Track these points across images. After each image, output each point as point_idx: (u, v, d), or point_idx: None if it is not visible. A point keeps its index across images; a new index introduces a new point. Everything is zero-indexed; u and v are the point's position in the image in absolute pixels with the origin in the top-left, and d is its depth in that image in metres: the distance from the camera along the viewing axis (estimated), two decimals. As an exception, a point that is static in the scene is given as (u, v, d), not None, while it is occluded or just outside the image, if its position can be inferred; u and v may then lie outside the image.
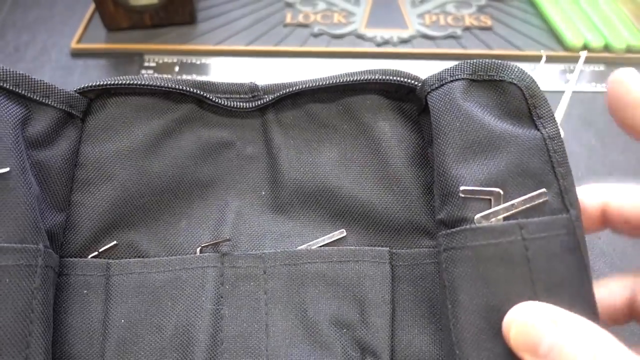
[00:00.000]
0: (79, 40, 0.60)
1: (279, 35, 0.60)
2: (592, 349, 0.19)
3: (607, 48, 0.57)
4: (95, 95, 0.33)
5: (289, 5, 0.64)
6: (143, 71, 0.57)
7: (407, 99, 0.33)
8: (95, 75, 0.58)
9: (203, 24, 0.61)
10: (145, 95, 0.33)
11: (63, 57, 0.59)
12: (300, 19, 0.62)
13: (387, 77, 0.32)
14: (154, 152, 0.33)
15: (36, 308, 0.25)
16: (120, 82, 0.32)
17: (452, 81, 0.29)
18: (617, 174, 0.47)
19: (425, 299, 0.29)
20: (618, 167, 0.47)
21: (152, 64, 0.57)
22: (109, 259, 0.30)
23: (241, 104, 0.33)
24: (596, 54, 0.57)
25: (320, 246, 0.31)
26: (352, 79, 0.32)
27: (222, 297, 0.29)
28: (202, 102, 0.34)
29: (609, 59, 0.57)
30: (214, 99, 0.33)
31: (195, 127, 0.34)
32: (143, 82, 0.32)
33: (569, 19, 0.60)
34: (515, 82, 0.28)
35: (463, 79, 0.29)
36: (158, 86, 0.32)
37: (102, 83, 0.32)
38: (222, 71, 0.57)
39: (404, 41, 0.59)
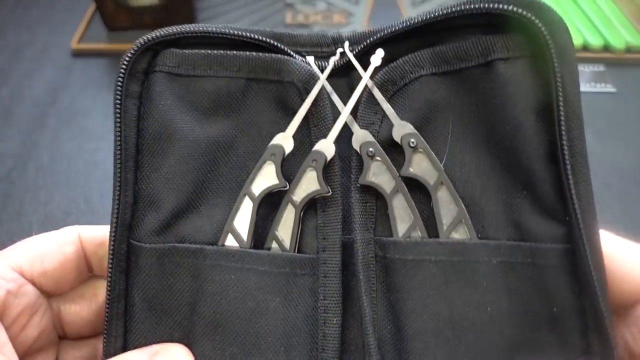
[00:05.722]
0: (80, 40, 0.60)
1: (279, 35, 0.60)
2: None
3: (606, 48, 0.58)
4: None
5: (289, 5, 0.64)
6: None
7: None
8: (95, 75, 0.58)
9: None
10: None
11: (63, 56, 0.59)
12: (300, 19, 0.62)
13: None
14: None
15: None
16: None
17: None
18: (617, 174, 0.47)
19: None
20: (618, 167, 0.47)
21: (153, 64, 0.57)
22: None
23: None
24: (596, 54, 0.57)
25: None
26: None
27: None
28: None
29: (608, 59, 0.57)
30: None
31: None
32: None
33: (568, 19, 0.60)
34: None
35: None
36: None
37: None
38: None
39: (404, 41, 0.59)
